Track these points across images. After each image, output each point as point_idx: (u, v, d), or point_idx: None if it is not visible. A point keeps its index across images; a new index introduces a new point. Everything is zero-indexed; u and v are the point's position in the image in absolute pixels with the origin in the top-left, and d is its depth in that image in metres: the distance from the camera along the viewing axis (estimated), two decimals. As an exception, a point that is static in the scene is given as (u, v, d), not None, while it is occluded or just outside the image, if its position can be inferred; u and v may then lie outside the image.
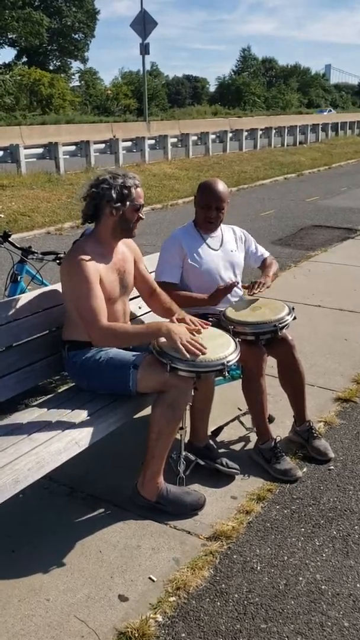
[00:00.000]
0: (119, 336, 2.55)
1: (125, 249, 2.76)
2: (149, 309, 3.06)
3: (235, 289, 3.10)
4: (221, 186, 3.06)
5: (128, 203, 2.58)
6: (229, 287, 2.96)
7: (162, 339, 2.52)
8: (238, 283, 3.08)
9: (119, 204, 2.56)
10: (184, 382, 2.47)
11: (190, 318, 2.69)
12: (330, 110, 58.15)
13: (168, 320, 2.67)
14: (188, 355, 2.41)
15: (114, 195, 2.55)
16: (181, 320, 2.65)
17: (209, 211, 3.04)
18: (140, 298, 3.01)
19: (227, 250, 3.16)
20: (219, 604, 2.17)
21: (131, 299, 2.91)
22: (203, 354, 2.44)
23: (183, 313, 2.80)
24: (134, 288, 2.88)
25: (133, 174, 2.64)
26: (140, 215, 2.66)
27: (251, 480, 2.87)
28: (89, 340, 2.59)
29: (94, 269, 2.53)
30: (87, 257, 2.53)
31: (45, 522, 2.58)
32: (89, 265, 2.52)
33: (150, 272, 3.03)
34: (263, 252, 3.35)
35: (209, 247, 3.11)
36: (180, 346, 2.42)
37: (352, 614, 2.13)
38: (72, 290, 2.56)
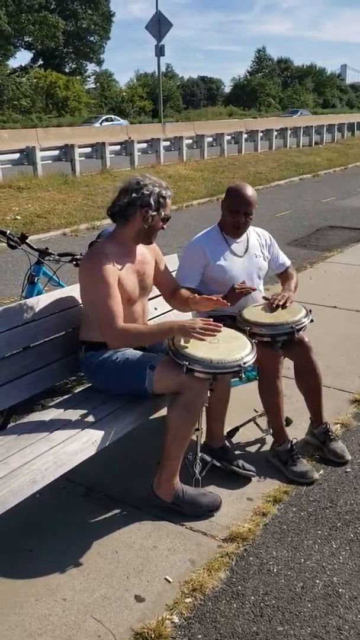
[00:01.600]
0: (133, 337, 2.56)
1: (145, 250, 2.76)
2: (166, 310, 3.07)
3: (253, 294, 3.08)
4: (250, 191, 3.03)
5: (161, 211, 2.60)
6: (246, 292, 2.94)
7: (178, 340, 2.53)
8: (256, 290, 3.03)
9: (155, 213, 2.58)
10: (200, 383, 2.47)
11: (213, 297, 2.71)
12: (301, 113, 49.36)
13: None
14: (206, 339, 2.43)
15: (152, 203, 2.57)
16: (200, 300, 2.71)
17: (237, 216, 3.01)
18: (156, 299, 3.01)
19: (251, 256, 3.13)
20: (235, 605, 2.16)
21: (149, 300, 2.91)
22: (219, 331, 2.46)
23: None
24: (155, 288, 2.88)
25: (167, 184, 2.66)
26: (164, 226, 2.67)
27: (267, 482, 2.86)
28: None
29: (113, 270, 2.54)
30: (107, 259, 2.54)
31: (61, 522, 2.59)
32: (108, 267, 2.53)
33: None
34: (285, 260, 3.32)
35: (233, 253, 3.08)
36: (196, 335, 2.44)
37: (370, 617, 2.11)
38: (90, 291, 2.57)
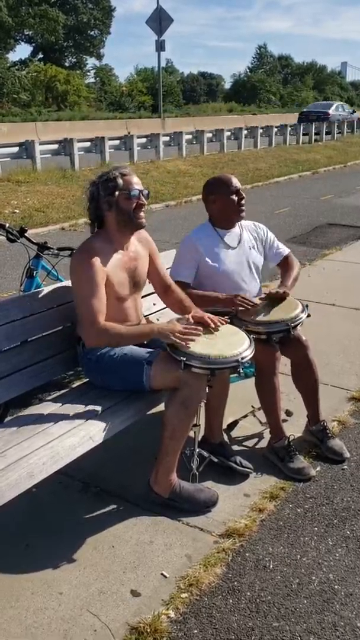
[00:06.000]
0: (112, 336, 2.53)
1: (138, 245, 2.75)
2: (164, 306, 3.05)
3: (251, 290, 3.08)
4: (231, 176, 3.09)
5: (117, 193, 2.57)
6: (247, 302, 2.91)
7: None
8: (257, 305, 2.95)
9: (109, 197, 2.58)
10: (197, 379, 2.47)
11: (208, 316, 2.68)
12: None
13: (184, 316, 2.69)
14: (186, 344, 2.45)
15: (101, 191, 2.58)
16: (199, 319, 2.66)
17: (236, 196, 3.02)
18: (155, 295, 3.01)
19: (245, 247, 3.12)
20: (231, 601, 2.17)
21: (145, 296, 2.90)
22: (197, 335, 2.48)
23: (200, 311, 2.76)
24: (149, 283, 2.87)
25: (123, 165, 2.69)
26: (140, 201, 2.61)
27: (264, 478, 2.86)
28: None
29: (99, 267, 2.52)
30: (94, 256, 2.53)
31: (58, 516, 2.60)
32: (94, 263, 2.51)
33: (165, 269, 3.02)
34: (283, 249, 3.27)
35: (227, 245, 3.08)
36: (175, 339, 2.46)
37: (365, 614, 2.12)
38: (75, 288, 2.58)
